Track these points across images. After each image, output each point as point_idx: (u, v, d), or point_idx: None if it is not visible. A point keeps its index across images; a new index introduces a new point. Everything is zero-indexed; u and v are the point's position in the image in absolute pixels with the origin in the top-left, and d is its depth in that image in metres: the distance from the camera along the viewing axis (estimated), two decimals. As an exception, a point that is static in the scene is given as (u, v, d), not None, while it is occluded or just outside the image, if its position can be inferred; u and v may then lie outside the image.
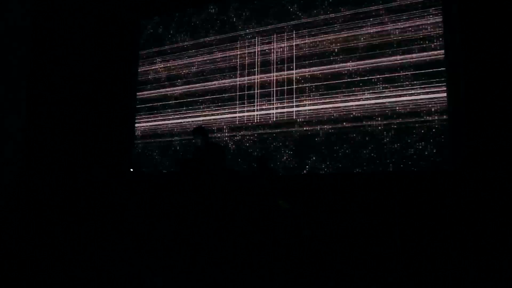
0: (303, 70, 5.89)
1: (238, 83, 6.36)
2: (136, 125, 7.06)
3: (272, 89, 6.09)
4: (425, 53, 5.14)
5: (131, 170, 5.88)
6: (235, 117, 6.28)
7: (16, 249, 4.82)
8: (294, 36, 6.04)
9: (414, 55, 5.21)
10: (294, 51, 6.00)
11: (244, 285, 3.25)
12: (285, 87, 6.01)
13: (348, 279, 3.40)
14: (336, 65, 5.66)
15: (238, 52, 6.43)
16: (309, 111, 5.75)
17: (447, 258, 4.07)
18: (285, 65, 6.06)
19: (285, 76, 6.03)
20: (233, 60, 6.46)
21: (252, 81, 6.26)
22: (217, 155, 4.79)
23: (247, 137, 6.12)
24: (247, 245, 4.47)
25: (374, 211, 4.71)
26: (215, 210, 4.54)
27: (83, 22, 6.71)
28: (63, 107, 6.10)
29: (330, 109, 5.60)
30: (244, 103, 6.26)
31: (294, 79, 5.95)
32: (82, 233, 5.37)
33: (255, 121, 6.10)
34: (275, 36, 6.19)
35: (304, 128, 5.75)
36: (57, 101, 6.04)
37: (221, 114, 6.38)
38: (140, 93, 7.15)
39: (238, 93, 6.33)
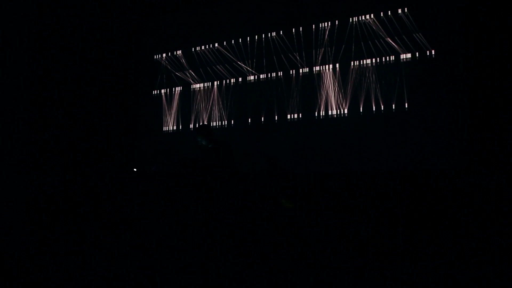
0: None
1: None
2: (140, 124, 7.03)
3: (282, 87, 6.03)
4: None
5: (135, 170, 5.85)
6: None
7: (18, 249, 4.81)
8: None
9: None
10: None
11: (247, 284, 3.21)
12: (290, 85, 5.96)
13: (353, 279, 3.35)
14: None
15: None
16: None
17: (454, 258, 4.01)
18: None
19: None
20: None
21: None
22: (225, 154, 4.60)
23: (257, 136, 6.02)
24: (253, 245, 4.43)
25: (380, 210, 4.64)
26: (221, 209, 4.47)
27: (86, 19, 6.70)
28: (65, 106, 6.09)
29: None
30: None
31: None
32: (85, 234, 5.35)
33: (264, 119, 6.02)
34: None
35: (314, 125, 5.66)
36: (59, 100, 6.03)
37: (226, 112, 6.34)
38: (143, 91, 7.12)
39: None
